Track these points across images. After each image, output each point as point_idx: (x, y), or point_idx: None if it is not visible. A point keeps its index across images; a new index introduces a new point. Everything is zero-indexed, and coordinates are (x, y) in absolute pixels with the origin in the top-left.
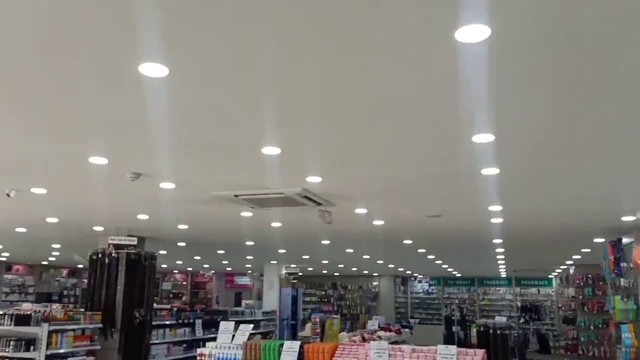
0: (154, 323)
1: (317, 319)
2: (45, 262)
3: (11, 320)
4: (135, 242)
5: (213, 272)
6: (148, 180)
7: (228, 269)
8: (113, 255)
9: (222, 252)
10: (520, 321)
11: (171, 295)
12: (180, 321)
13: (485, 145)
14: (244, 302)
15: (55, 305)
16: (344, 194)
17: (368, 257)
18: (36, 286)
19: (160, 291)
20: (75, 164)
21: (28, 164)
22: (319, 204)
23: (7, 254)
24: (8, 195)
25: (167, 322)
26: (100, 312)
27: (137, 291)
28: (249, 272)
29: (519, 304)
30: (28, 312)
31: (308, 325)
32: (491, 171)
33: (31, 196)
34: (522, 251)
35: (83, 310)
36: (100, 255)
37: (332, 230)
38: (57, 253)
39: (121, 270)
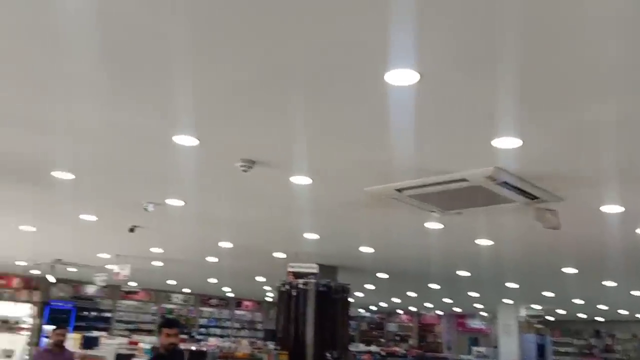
0: None
1: None
2: (269, 299)
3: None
4: (316, 270)
5: (441, 313)
6: (278, 175)
7: (455, 309)
8: (300, 287)
9: (436, 286)
10: None
11: (397, 338)
12: None
13: None
14: (474, 349)
15: (245, 341)
16: (575, 174)
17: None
18: (264, 323)
19: (386, 333)
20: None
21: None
22: (533, 198)
23: (228, 289)
24: (146, 209)
25: None
26: (286, 353)
27: (329, 329)
28: (480, 313)
29: None
30: (204, 349)
31: None
32: None
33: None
34: None
35: (271, 347)
36: (288, 287)
37: (572, 252)
38: (268, 287)
39: (310, 304)
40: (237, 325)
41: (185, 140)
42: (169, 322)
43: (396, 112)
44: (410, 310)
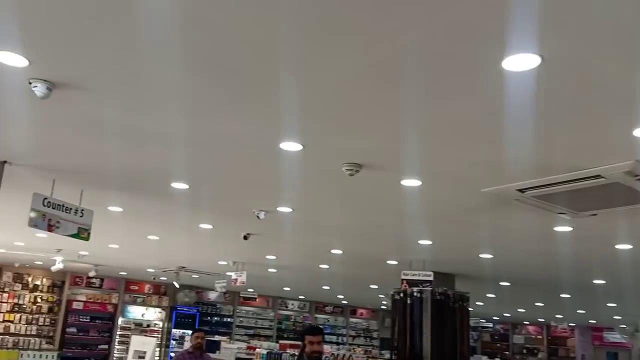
0: None
1: None
2: (384, 307)
3: None
4: (431, 278)
5: (573, 324)
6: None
7: (590, 320)
8: (415, 295)
9: (566, 296)
10: None
11: (524, 351)
12: None
13: None
14: None
15: (360, 350)
16: None
17: None
18: (380, 331)
19: (511, 345)
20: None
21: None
22: None
23: (342, 296)
24: (258, 217)
25: None
26: None
27: (447, 339)
28: (620, 326)
29: None
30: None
31: None
32: None
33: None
34: None
35: (387, 358)
36: (402, 295)
37: None
38: (382, 295)
39: (426, 313)
40: (352, 332)
41: (291, 146)
42: (312, 329)
43: (515, 102)
44: (538, 321)
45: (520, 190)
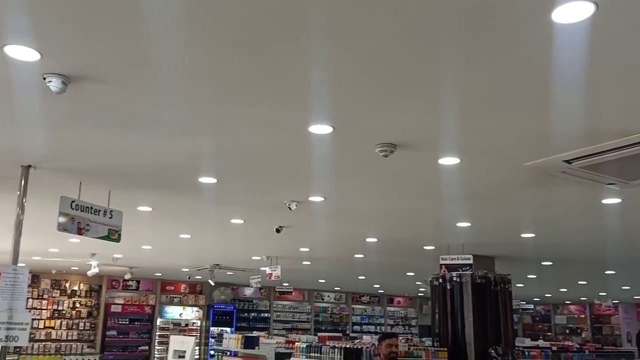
0: None
1: None
2: (421, 294)
3: (341, 355)
4: (470, 261)
5: (616, 302)
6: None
7: (635, 297)
8: (455, 279)
9: (611, 272)
10: None
11: (567, 331)
12: None
13: None
14: None
15: (399, 338)
16: None
17: None
18: (418, 319)
19: (553, 325)
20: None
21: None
22: None
23: (377, 285)
24: (289, 208)
25: None
26: (445, 349)
27: (490, 323)
28: None
29: None
30: (359, 347)
31: None
32: None
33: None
34: None
35: (428, 345)
36: (441, 281)
37: None
38: (419, 282)
39: (467, 298)
40: (390, 322)
41: (321, 129)
42: (390, 335)
43: (563, 61)
44: (580, 300)
45: (567, 162)
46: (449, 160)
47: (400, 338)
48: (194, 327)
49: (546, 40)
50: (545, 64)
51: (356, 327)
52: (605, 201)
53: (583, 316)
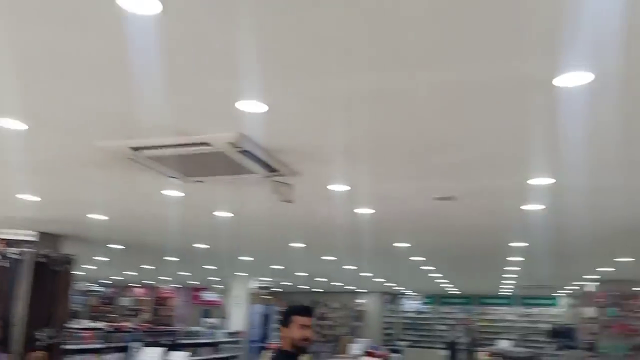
0: (73, 347)
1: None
2: None
3: None
4: (34, 238)
5: (179, 286)
6: None
7: (191, 282)
8: (11, 257)
9: (173, 259)
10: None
11: (129, 312)
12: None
13: None
14: (204, 320)
15: None
16: (310, 150)
17: (353, 267)
18: None
19: (119, 307)
20: None
21: None
22: (273, 171)
23: None
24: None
25: (93, 346)
26: None
27: (45, 305)
28: (215, 286)
29: (538, 326)
30: None
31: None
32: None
33: None
34: (542, 261)
35: None
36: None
37: (301, 227)
38: None
39: (23, 276)
40: None
41: None
42: (305, 309)
43: (136, 52)
44: (146, 283)
45: (134, 149)
46: (12, 124)
47: None
48: None
49: (116, 26)
50: (122, 49)
51: None
52: (169, 193)
53: (148, 298)
